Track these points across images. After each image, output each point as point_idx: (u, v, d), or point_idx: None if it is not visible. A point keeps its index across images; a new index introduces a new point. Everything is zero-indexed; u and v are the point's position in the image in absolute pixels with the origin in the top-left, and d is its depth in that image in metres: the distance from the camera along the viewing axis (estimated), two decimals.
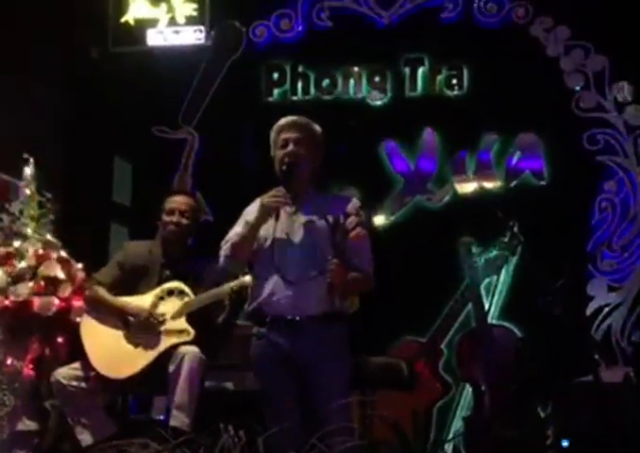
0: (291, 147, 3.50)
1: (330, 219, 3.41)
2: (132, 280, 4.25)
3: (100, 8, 6.20)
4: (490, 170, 5.77)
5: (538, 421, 4.05)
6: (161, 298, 4.17)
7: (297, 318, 3.40)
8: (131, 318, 4.14)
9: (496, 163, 5.77)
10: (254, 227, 3.43)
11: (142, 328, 4.12)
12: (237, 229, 3.54)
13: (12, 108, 5.47)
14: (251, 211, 3.55)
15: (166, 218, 4.30)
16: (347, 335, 3.50)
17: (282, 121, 3.59)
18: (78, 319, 4.33)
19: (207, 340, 4.12)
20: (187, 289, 4.16)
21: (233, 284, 4.03)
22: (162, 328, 4.10)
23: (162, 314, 4.12)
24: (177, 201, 4.33)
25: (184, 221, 4.29)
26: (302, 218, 3.49)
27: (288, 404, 3.41)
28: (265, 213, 3.41)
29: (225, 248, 3.51)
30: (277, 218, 3.41)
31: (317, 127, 3.60)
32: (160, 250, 4.31)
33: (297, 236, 3.45)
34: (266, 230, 3.45)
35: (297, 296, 3.39)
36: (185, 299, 4.15)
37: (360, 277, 3.45)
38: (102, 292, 4.23)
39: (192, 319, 4.12)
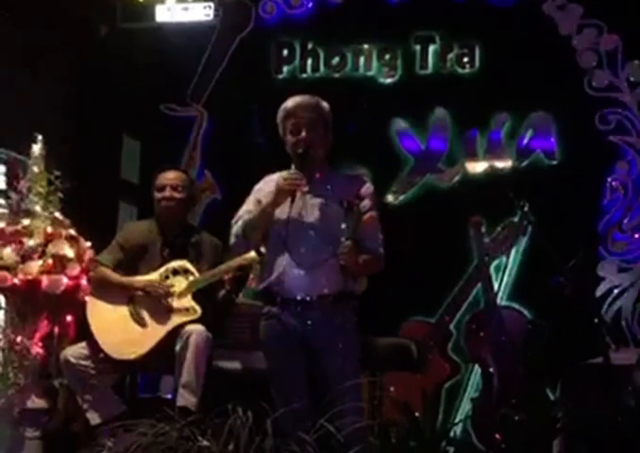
0: (304, 134, 3.45)
1: (344, 202, 3.39)
2: (134, 260, 4.24)
3: None
4: (501, 149, 5.73)
5: (547, 403, 4.02)
6: (167, 277, 4.16)
7: (308, 298, 3.39)
8: (139, 293, 4.12)
9: (507, 143, 5.73)
10: (269, 209, 3.41)
11: (149, 304, 4.11)
12: (248, 207, 3.52)
13: (20, 86, 5.43)
14: (263, 190, 3.52)
15: (158, 195, 4.27)
16: (357, 315, 3.48)
17: (289, 103, 3.52)
18: (87, 298, 4.32)
19: (213, 318, 4.12)
20: (192, 268, 4.15)
21: (241, 259, 4.01)
22: (169, 306, 4.09)
23: (170, 286, 4.11)
24: (167, 177, 4.30)
25: (177, 195, 4.25)
26: (316, 199, 3.47)
27: (298, 384, 3.41)
28: (281, 196, 3.39)
29: (237, 227, 3.49)
30: (292, 199, 3.39)
31: (325, 105, 3.56)
32: (157, 228, 4.29)
33: (311, 217, 3.44)
34: (280, 210, 3.42)
35: (309, 277, 3.39)
36: (190, 278, 4.14)
37: (371, 259, 3.45)
38: (108, 271, 4.22)
39: (197, 297, 4.11)
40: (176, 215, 4.28)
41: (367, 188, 3.53)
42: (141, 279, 4.16)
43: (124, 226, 4.55)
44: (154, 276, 4.17)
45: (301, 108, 3.50)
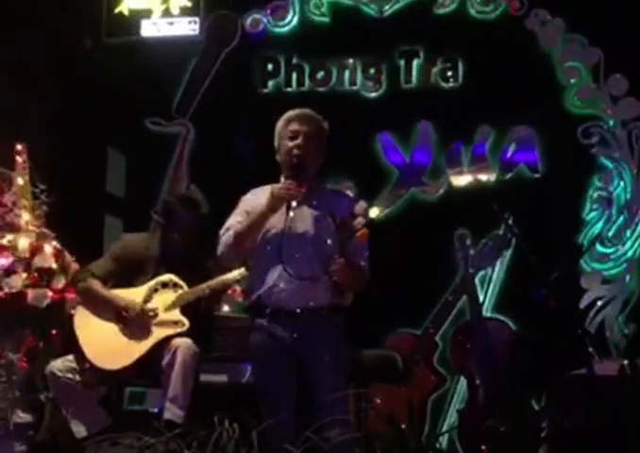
0: (301, 140, 3.48)
1: (337, 218, 3.41)
2: (127, 274, 4.23)
3: None
4: (485, 162, 5.77)
5: (532, 413, 4.05)
6: (156, 290, 4.16)
7: (298, 310, 3.40)
8: (124, 313, 4.13)
9: (490, 156, 5.77)
10: (262, 218, 3.42)
11: (135, 322, 4.11)
12: (237, 218, 3.52)
13: (5, 98, 5.44)
14: (252, 201, 3.53)
15: (176, 236, 4.26)
16: (345, 327, 3.50)
17: (293, 112, 3.56)
18: (72, 311, 4.32)
19: (200, 332, 4.12)
20: (180, 281, 4.16)
21: (230, 275, 4.02)
22: (156, 320, 4.09)
23: (154, 309, 4.11)
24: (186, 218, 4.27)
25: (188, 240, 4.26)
26: (307, 212, 3.48)
27: (285, 396, 3.40)
28: (275, 204, 3.39)
29: (226, 236, 3.47)
30: (287, 210, 3.39)
31: (325, 124, 3.59)
32: (156, 246, 4.28)
33: (304, 230, 3.44)
34: (272, 222, 3.43)
35: (300, 290, 3.39)
36: (179, 291, 4.15)
37: (358, 276, 3.47)
38: (96, 284, 4.21)
39: (186, 311, 4.11)
40: (181, 251, 4.28)
41: (361, 206, 3.55)
42: (125, 301, 4.14)
43: (123, 237, 4.49)
44: (143, 289, 4.17)
45: (303, 118, 3.53)
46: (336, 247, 3.38)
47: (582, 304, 5.43)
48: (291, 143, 3.48)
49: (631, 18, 5.45)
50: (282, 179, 3.48)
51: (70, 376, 4.04)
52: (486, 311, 5.46)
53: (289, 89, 6.10)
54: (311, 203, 3.49)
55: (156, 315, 4.10)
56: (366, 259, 3.51)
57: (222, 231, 3.52)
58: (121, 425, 3.67)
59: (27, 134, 5.17)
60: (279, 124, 3.56)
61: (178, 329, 4.07)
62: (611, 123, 5.63)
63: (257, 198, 3.50)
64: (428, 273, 5.41)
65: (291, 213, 3.39)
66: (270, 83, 6.13)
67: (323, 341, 3.39)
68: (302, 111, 3.56)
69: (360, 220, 3.48)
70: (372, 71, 5.98)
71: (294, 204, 3.42)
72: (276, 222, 3.42)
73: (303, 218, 3.46)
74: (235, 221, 3.51)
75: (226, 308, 4.64)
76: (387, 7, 5.98)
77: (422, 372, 5.43)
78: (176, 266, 4.21)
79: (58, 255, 4.56)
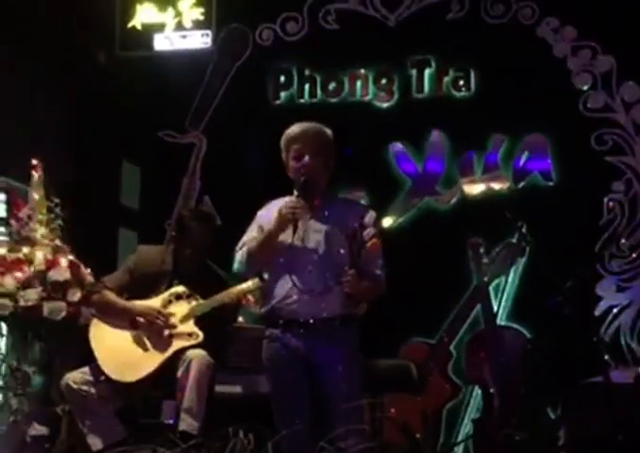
0: (307, 160, 3.48)
1: (348, 230, 3.42)
2: (141, 287, 4.24)
3: (107, 14, 6.22)
4: (498, 171, 5.77)
5: (548, 422, 4.05)
6: (170, 302, 4.17)
7: (311, 320, 3.41)
8: (140, 319, 4.14)
9: (503, 164, 5.76)
10: (271, 237, 3.43)
11: (151, 329, 4.12)
12: (252, 234, 3.54)
13: (20, 113, 5.48)
14: (266, 217, 3.54)
15: (187, 251, 4.27)
16: (358, 337, 3.50)
17: (295, 130, 3.54)
18: (87, 323, 4.33)
19: (215, 343, 4.13)
20: (194, 293, 4.17)
21: (244, 286, 4.04)
22: (171, 332, 4.11)
23: (171, 314, 4.13)
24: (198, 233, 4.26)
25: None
26: (318, 225, 3.49)
27: (300, 406, 3.41)
28: (283, 224, 3.40)
29: (241, 253, 3.51)
30: (294, 226, 3.41)
31: (329, 132, 3.58)
32: (170, 259, 4.30)
33: (313, 243, 3.46)
34: (283, 237, 3.44)
35: (312, 301, 3.41)
36: (193, 303, 4.16)
37: (372, 285, 3.47)
38: (110, 295, 4.23)
39: (200, 322, 4.12)
40: (197, 265, 4.29)
41: (371, 216, 3.56)
42: (140, 305, 4.17)
43: (138, 249, 4.48)
44: (157, 300, 4.18)
45: (305, 134, 3.52)
46: (348, 258, 3.39)
47: (598, 312, 5.41)
48: (297, 165, 3.49)
49: None
50: (295, 193, 3.49)
51: (85, 388, 4.04)
52: (500, 320, 5.44)
53: (301, 100, 6.11)
54: (322, 215, 3.50)
55: (173, 320, 4.11)
56: (381, 267, 3.51)
57: (237, 248, 3.54)
58: (136, 437, 3.68)
59: (42, 148, 5.21)
60: (283, 140, 3.56)
61: (193, 341, 4.07)
62: (624, 129, 5.61)
63: (271, 213, 3.51)
64: (441, 282, 5.41)
65: (298, 228, 3.40)
66: (282, 95, 6.15)
67: (336, 351, 3.40)
68: (302, 129, 3.54)
69: (369, 230, 3.49)
70: (384, 81, 5.98)
71: (305, 216, 3.43)
72: (284, 237, 3.43)
73: (314, 230, 3.47)
74: (250, 237, 3.53)
75: (240, 318, 4.65)
76: (398, 17, 6.00)
77: (437, 381, 5.41)
78: (190, 280, 4.22)
79: (73, 268, 4.58)
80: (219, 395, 4.17)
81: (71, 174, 5.89)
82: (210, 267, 4.29)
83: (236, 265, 3.53)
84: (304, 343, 3.42)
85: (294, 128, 3.55)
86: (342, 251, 3.42)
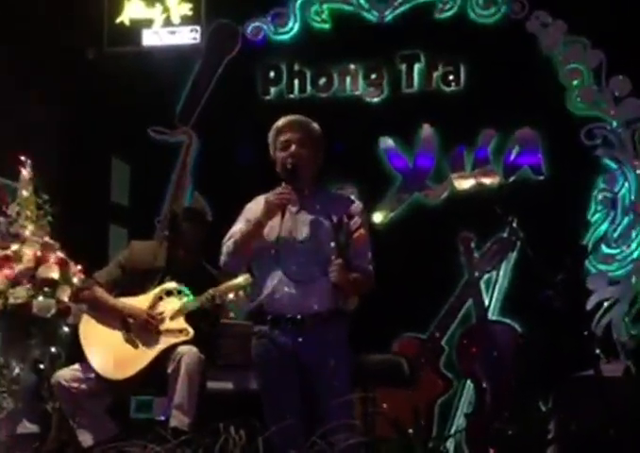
0: (293, 148, 3.48)
1: (334, 219, 3.41)
2: (132, 283, 4.23)
3: (96, 9, 6.19)
4: (488, 166, 5.77)
5: (539, 415, 4.04)
6: (160, 298, 4.16)
7: (299, 316, 3.40)
8: (130, 320, 4.13)
9: (494, 159, 5.77)
10: (259, 225, 3.42)
11: (141, 329, 4.11)
12: (239, 226, 3.53)
13: (8, 109, 5.46)
14: (252, 209, 3.54)
15: (181, 252, 4.27)
16: (348, 332, 3.50)
17: (281, 122, 3.55)
18: (77, 320, 4.32)
19: (206, 339, 4.12)
20: (185, 289, 4.16)
21: (236, 282, 4.03)
22: (161, 328, 4.10)
23: (161, 313, 4.12)
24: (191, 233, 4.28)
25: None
26: (306, 217, 3.48)
27: (290, 402, 3.40)
28: (271, 211, 3.40)
29: (227, 245, 3.49)
30: (282, 216, 3.40)
31: (316, 126, 3.58)
32: (163, 255, 4.29)
33: (301, 234, 3.44)
34: (270, 228, 3.43)
35: (300, 295, 3.39)
36: (184, 299, 4.15)
37: (361, 278, 3.46)
38: (100, 292, 4.21)
39: (190, 318, 4.11)
40: (190, 263, 4.29)
41: (357, 206, 3.55)
42: (132, 307, 4.15)
43: (131, 244, 4.46)
44: (148, 296, 4.17)
45: (292, 125, 3.52)
46: (335, 250, 3.38)
47: (589, 306, 5.42)
48: (284, 154, 3.48)
49: (632, 19, 5.44)
50: (283, 184, 3.48)
51: (76, 385, 4.03)
52: (492, 314, 5.45)
53: (291, 95, 6.11)
54: (310, 207, 3.49)
55: (163, 319, 4.10)
56: (370, 260, 3.50)
57: (224, 240, 3.53)
58: (128, 433, 3.67)
59: (31, 144, 5.19)
60: (271, 134, 3.56)
61: (183, 337, 4.07)
62: (614, 124, 5.62)
63: (258, 206, 3.50)
64: (432, 277, 5.41)
65: (285, 220, 3.39)
66: (272, 90, 6.14)
67: (325, 346, 3.38)
68: (290, 119, 3.54)
69: (356, 220, 3.47)
70: (373, 76, 5.98)
71: (293, 209, 3.43)
72: (271, 228, 3.42)
73: (302, 222, 3.46)
74: (237, 229, 3.52)
75: (231, 314, 4.64)
76: (387, 12, 5.99)
77: (428, 376, 5.42)
78: (183, 280, 4.21)
79: (62, 265, 4.56)
80: (211, 392, 4.16)
81: (61, 171, 5.87)
82: (205, 268, 4.28)
83: (223, 257, 3.51)
84: (292, 339, 3.40)
85: (280, 121, 3.56)
86: (332, 244, 3.41)
